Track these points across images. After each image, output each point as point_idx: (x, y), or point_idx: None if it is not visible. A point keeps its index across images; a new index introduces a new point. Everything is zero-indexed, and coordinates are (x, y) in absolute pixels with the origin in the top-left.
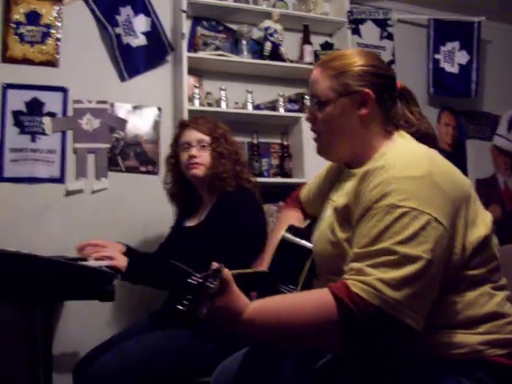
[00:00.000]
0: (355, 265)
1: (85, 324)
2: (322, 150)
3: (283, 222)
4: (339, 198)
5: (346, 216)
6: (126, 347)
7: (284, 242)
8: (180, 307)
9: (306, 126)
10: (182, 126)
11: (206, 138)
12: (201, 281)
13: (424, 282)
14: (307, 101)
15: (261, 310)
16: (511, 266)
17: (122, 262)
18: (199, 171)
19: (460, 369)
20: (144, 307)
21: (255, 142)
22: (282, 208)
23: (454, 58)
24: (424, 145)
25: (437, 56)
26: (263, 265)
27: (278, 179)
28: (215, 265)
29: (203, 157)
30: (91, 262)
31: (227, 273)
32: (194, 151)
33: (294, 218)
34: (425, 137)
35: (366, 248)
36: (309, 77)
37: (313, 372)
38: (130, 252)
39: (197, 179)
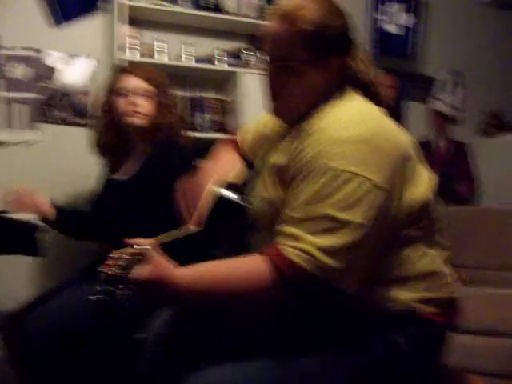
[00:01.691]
0: (290, 229)
1: (14, 280)
2: (278, 113)
3: (219, 165)
4: (278, 156)
5: (283, 175)
6: (57, 303)
7: (221, 200)
8: (98, 298)
9: (246, 82)
10: (120, 72)
11: (150, 88)
12: (116, 271)
13: (362, 248)
14: (248, 55)
15: (192, 274)
16: (447, 228)
17: (47, 209)
18: (140, 120)
19: (393, 324)
20: (75, 261)
21: (195, 96)
22: (220, 145)
23: (394, 19)
24: (368, 101)
25: (376, 15)
26: (194, 218)
27: (218, 135)
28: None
29: (145, 106)
30: (16, 215)
31: (149, 251)
32: (136, 99)
33: (230, 160)
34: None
35: (303, 212)
36: (251, 31)
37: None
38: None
39: (135, 128)
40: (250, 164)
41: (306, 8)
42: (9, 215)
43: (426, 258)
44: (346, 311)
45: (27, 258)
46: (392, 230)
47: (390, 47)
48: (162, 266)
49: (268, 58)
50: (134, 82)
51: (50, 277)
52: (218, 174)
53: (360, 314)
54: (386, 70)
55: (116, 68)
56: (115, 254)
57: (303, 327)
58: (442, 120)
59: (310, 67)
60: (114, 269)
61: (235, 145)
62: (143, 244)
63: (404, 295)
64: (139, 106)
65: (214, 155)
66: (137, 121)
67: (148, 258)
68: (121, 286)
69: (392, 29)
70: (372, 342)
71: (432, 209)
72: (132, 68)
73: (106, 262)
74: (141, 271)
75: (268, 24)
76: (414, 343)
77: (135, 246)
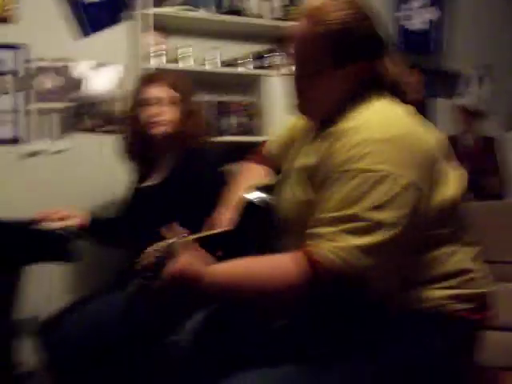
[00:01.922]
0: (323, 230)
1: (49, 287)
2: (302, 110)
3: (245, 176)
4: (306, 158)
5: (312, 177)
6: (91, 309)
7: (251, 202)
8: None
9: (273, 84)
10: (143, 82)
11: (175, 94)
12: (162, 255)
13: (397, 247)
14: (275, 57)
15: (224, 271)
16: (475, 224)
17: (79, 219)
18: (162, 129)
19: (425, 324)
20: (109, 267)
21: (223, 100)
22: (243, 163)
23: (418, 15)
24: (395, 96)
25: (398, 14)
26: (224, 222)
27: (247, 138)
28: (178, 229)
29: (170, 113)
30: (49, 225)
31: (189, 240)
32: (155, 109)
33: (257, 173)
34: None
35: (335, 213)
36: (275, 33)
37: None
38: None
39: (159, 137)
40: (278, 172)
41: (331, 8)
42: (42, 225)
43: (456, 256)
44: (378, 312)
45: (61, 265)
46: (422, 230)
47: (414, 44)
48: (193, 261)
49: (293, 59)
50: (156, 92)
51: (83, 284)
52: (246, 184)
53: (392, 315)
54: (411, 66)
55: (140, 78)
56: (150, 249)
57: (335, 330)
58: (469, 115)
59: (334, 71)
60: (148, 260)
61: (262, 157)
62: (178, 235)
63: (435, 294)
64: (162, 114)
65: (241, 169)
66: (160, 130)
67: (179, 251)
68: (152, 276)
69: (415, 25)
70: (405, 343)
71: (461, 207)
72: (156, 76)
73: (142, 256)
74: (172, 265)
75: (294, 24)
76: (448, 342)
77: (168, 241)
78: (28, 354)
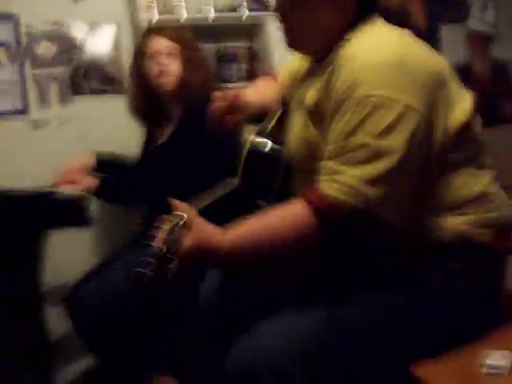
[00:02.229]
0: (329, 163)
1: (72, 252)
2: (294, 44)
3: (258, 85)
4: (310, 94)
5: (318, 112)
6: (110, 272)
7: (253, 150)
8: (143, 273)
9: (272, 27)
10: (145, 35)
11: (174, 45)
12: (162, 250)
13: (402, 174)
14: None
15: (239, 238)
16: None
17: (89, 182)
18: (167, 81)
19: (446, 252)
20: (127, 229)
21: (221, 47)
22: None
23: None
24: (397, 25)
25: None
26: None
27: (246, 84)
28: (178, 207)
29: (171, 65)
30: (61, 189)
31: (192, 217)
32: (160, 60)
33: (269, 86)
34: (396, 14)
35: (339, 144)
36: None
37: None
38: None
39: (165, 90)
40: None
41: None
42: (55, 191)
43: (473, 180)
44: (395, 244)
45: (78, 230)
46: (435, 155)
47: None
48: (206, 233)
49: None
50: (158, 43)
51: (103, 247)
52: (257, 96)
53: (411, 246)
54: None
55: (141, 31)
56: (159, 227)
57: (353, 268)
58: (480, 40)
59: None
60: (160, 245)
61: (273, 79)
62: (184, 211)
63: (454, 221)
64: (167, 66)
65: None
66: (166, 81)
67: (189, 226)
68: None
69: None
70: (427, 273)
71: (474, 129)
72: (155, 29)
73: (153, 234)
74: (184, 242)
75: None
76: (471, 269)
77: (176, 215)
78: (56, 321)
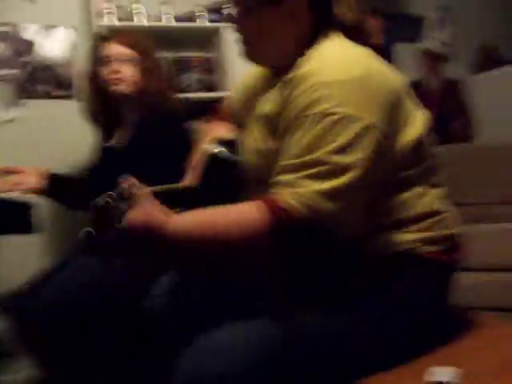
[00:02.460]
0: (286, 177)
1: (20, 260)
2: (250, 56)
3: (208, 132)
4: (265, 106)
5: (273, 125)
6: (66, 276)
7: (211, 156)
8: (86, 232)
9: (228, 37)
10: (101, 40)
11: (133, 53)
12: (107, 200)
13: (359, 190)
14: (228, 10)
15: (185, 221)
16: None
17: (33, 180)
18: (123, 87)
19: (394, 267)
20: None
21: (177, 56)
22: (205, 121)
23: None
24: (353, 41)
25: None
26: (189, 180)
27: (203, 94)
28: (123, 182)
29: (130, 72)
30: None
31: (144, 191)
32: (119, 66)
33: (219, 128)
34: (352, 30)
35: (297, 159)
36: None
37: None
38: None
39: (120, 96)
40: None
41: None
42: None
43: (424, 198)
44: (346, 258)
45: (26, 236)
46: (389, 172)
47: None
48: (154, 211)
49: (234, 5)
50: (116, 49)
51: (54, 251)
52: (210, 135)
53: (360, 261)
54: (371, 11)
55: (97, 36)
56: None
57: (302, 279)
58: (433, 59)
59: (267, 7)
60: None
61: (222, 113)
62: (134, 186)
63: (404, 237)
64: (123, 72)
65: (203, 127)
66: (122, 88)
67: (139, 201)
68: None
69: None
70: (374, 287)
71: (427, 148)
72: (113, 34)
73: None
74: (131, 214)
75: None
76: (418, 284)
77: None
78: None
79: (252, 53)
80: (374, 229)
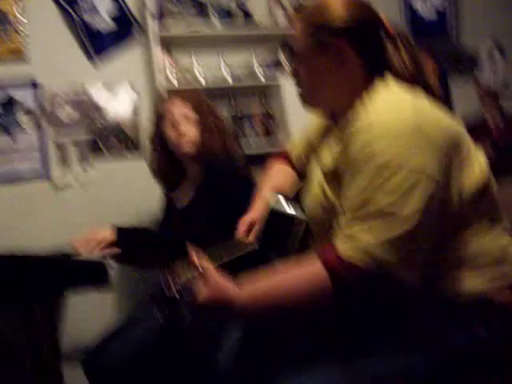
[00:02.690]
0: (346, 231)
1: (91, 315)
2: (306, 103)
3: (271, 177)
4: (328, 160)
5: (335, 179)
6: (134, 333)
7: (274, 213)
8: (159, 319)
9: (287, 91)
10: (163, 101)
11: (193, 113)
12: (176, 294)
13: (418, 240)
14: (285, 65)
15: (253, 295)
16: (503, 202)
17: (108, 237)
18: (190, 148)
19: (467, 313)
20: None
21: (238, 115)
22: (269, 163)
23: None
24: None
25: None
26: (253, 234)
27: (266, 149)
28: (196, 262)
29: (190, 132)
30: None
31: (209, 272)
32: (180, 127)
33: (282, 172)
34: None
35: (356, 212)
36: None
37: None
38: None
39: (185, 155)
40: (301, 174)
41: (317, 5)
42: (77, 257)
43: (491, 240)
44: (413, 304)
45: (98, 293)
46: (453, 216)
47: (427, 28)
48: (221, 288)
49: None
50: (176, 110)
51: (123, 309)
52: (271, 188)
53: (430, 306)
54: (425, 50)
55: (159, 98)
56: (175, 273)
57: (372, 327)
58: (490, 95)
59: (316, 52)
60: (172, 289)
61: (286, 157)
62: (201, 263)
63: (473, 281)
64: (184, 133)
65: (266, 170)
66: (185, 148)
67: (206, 279)
68: (176, 308)
69: (426, 9)
70: (447, 333)
71: (491, 189)
72: (173, 95)
73: (167, 281)
74: (199, 293)
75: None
76: (492, 330)
77: (194, 267)
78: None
79: (307, 97)
80: (442, 273)
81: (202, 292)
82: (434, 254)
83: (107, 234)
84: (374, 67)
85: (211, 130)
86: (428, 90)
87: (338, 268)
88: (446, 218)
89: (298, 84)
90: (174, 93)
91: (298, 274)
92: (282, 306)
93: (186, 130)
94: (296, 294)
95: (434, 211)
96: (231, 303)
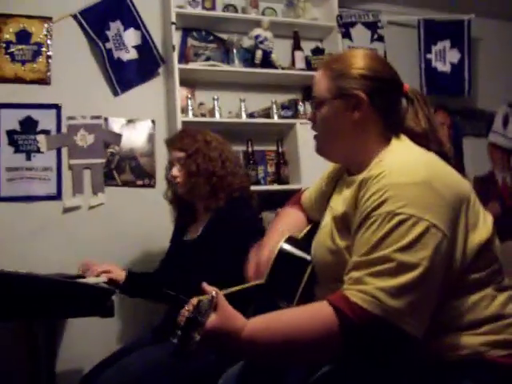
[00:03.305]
0: (354, 274)
1: (88, 340)
2: (319, 149)
3: (282, 219)
4: (338, 205)
5: (344, 224)
6: (128, 362)
7: (282, 253)
8: (173, 340)
9: (300, 132)
10: (166, 145)
11: (182, 155)
12: (191, 315)
13: (423, 289)
14: (300, 107)
15: (259, 330)
16: (505, 259)
17: (119, 274)
18: (180, 189)
19: (462, 370)
20: (147, 321)
21: (250, 150)
22: (282, 207)
23: (445, 57)
24: (424, 148)
25: (428, 56)
26: (260, 273)
27: (275, 186)
28: (207, 289)
29: (181, 175)
30: (89, 279)
31: (219, 298)
32: (174, 170)
33: (293, 216)
34: (420, 136)
35: (365, 256)
36: (300, 83)
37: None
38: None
39: (181, 196)
40: (311, 220)
41: (341, 55)
42: (83, 280)
43: (492, 301)
44: (412, 358)
45: (99, 319)
46: (458, 274)
47: (442, 85)
48: (228, 317)
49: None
50: (173, 155)
51: (121, 336)
52: (281, 230)
53: (426, 362)
54: (439, 107)
55: (176, 130)
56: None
57: (369, 376)
58: (502, 153)
59: (334, 96)
60: (186, 314)
61: (298, 202)
62: (212, 292)
63: (471, 340)
64: (174, 175)
65: (278, 214)
66: (177, 189)
67: (215, 305)
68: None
69: (443, 66)
70: None
71: (495, 249)
72: (170, 140)
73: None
74: (209, 319)
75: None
76: None
77: (199, 298)
78: None
79: (321, 147)
80: (439, 330)
81: (212, 318)
82: (434, 311)
83: (119, 272)
84: (390, 124)
85: (192, 172)
86: (441, 149)
87: (344, 308)
88: (447, 276)
89: (316, 137)
90: (172, 138)
91: (304, 313)
92: (287, 342)
93: (175, 172)
94: (302, 330)
95: (441, 262)
96: (237, 333)
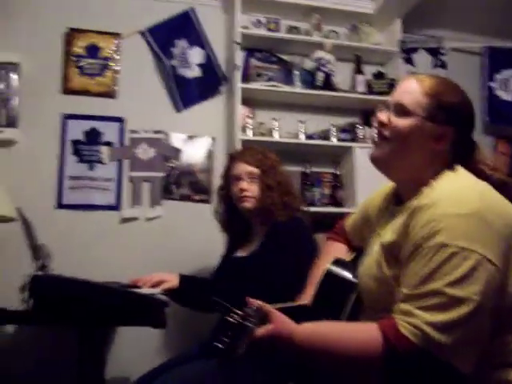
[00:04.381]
0: (404, 306)
1: (137, 349)
2: (379, 158)
3: (327, 253)
4: (387, 233)
5: (393, 253)
6: (174, 375)
7: (328, 274)
8: (218, 345)
9: (358, 156)
10: (231, 159)
11: (255, 170)
12: (240, 320)
13: (474, 324)
14: (359, 130)
15: (312, 334)
16: None
17: (172, 281)
18: (249, 204)
19: None
20: (196, 335)
21: (307, 171)
22: (326, 240)
23: (509, 86)
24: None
25: (491, 84)
26: (306, 297)
27: (330, 208)
28: (253, 303)
29: (253, 189)
30: (144, 290)
31: (267, 307)
32: (244, 184)
33: (338, 250)
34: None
35: (415, 289)
36: (360, 106)
37: None
38: (184, 279)
39: (248, 211)
40: (356, 249)
41: (438, 77)
42: (138, 290)
43: None
44: None
45: (149, 328)
46: (509, 307)
47: (505, 114)
48: (284, 321)
49: (389, 105)
50: (242, 169)
51: (170, 348)
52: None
53: None
54: (501, 137)
55: (228, 155)
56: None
57: None
58: None
59: (425, 121)
60: (240, 320)
61: (341, 232)
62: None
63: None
64: (247, 190)
65: (323, 249)
66: (247, 205)
67: (266, 314)
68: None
69: (506, 95)
70: None
71: None
72: (240, 154)
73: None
74: (263, 328)
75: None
76: None
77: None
78: None
79: (382, 156)
80: (489, 366)
81: (268, 325)
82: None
83: (172, 278)
84: (460, 158)
85: (271, 187)
86: (502, 186)
87: (391, 335)
88: (499, 310)
89: (381, 136)
90: (240, 152)
91: (354, 327)
92: (331, 350)
93: (247, 186)
94: (347, 343)
95: (493, 295)
96: (291, 334)
